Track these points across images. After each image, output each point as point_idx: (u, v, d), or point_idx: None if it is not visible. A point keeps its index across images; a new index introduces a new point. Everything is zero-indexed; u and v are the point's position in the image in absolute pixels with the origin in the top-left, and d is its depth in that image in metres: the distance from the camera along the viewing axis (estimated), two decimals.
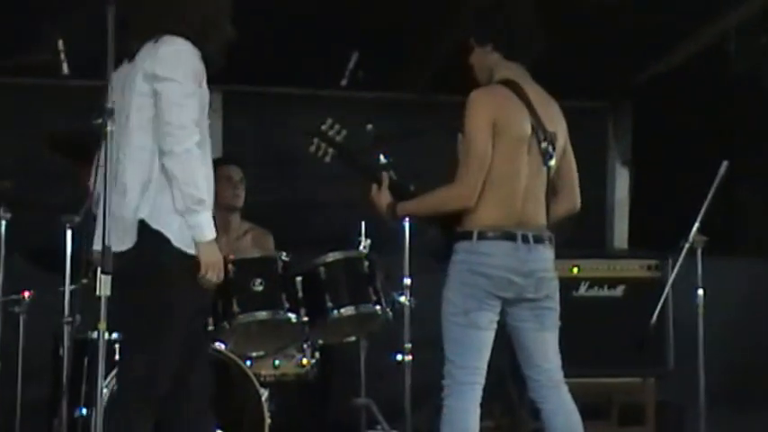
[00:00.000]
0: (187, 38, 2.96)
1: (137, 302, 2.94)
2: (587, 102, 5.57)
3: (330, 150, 3.22)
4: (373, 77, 5.01)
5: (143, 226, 2.91)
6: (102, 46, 2.92)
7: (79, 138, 3.27)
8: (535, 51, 3.17)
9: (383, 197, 3.18)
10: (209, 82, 3.05)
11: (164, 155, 2.89)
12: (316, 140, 3.24)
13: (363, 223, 4.07)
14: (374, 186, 3.20)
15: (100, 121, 2.90)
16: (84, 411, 3.68)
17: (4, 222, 4.00)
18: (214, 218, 2.97)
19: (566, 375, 3.16)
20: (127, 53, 3.03)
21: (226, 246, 4.43)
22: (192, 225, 2.88)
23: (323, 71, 5.02)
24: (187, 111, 2.90)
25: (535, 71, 3.19)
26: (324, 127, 3.23)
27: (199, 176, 2.89)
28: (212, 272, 2.90)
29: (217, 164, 4.70)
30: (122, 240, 2.90)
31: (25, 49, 4.56)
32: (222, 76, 5.11)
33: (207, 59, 2.99)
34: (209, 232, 2.90)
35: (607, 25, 4.76)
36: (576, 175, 3.23)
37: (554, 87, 3.22)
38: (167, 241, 2.89)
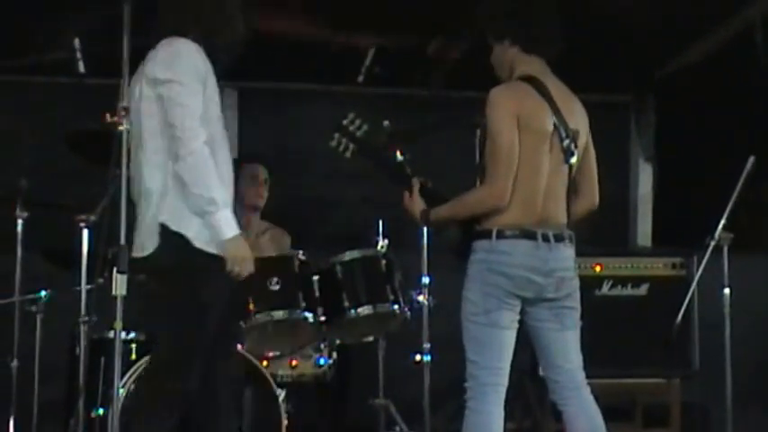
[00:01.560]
0: (194, 38, 2.96)
1: (163, 303, 2.98)
2: (610, 96, 5.50)
3: (351, 146, 3.18)
4: (390, 74, 4.97)
5: (164, 229, 2.94)
6: (119, 44, 2.90)
7: (100, 137, 3.26)
8: (555, 45, 3.10)
9: (416, 204, 3.13)
10: (223, 79, 3.03)
11: (174, 159, 2.91)
12: (337, 135, 3.20)
13: (381, 221, 4.03)
14: (406, 194, 3.16)
15: (115, 119, 2.91)
16: (101, 411, 3.67)
17: (20, 221, 4.01)
18: (236, 213, 2.97)
19: (589, 376, 3.10)
20: (143, 56, 3.05)
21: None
22: (211, 225, 2.90)
23: (339, 67, 4.98)
24: (190, 111, 2.90)
25: (556, 65, 3.14)
26: (345, 122, 3.20)
27: (208, 176, 2.89)
28: (239, 266, 2.91)
29: (242, 162, 4.71)
30: (146, 245, 2.96)
31: (41, 47, 4.55)
32: (238, 73, 5.12)
33: (216, 57, 2.99)
34: (228, 230, 2.91)
35: (630, 18, 4.68)
36: (596, 174, 3.18)
37: (576, 81, 3.16)
38: (188, 242, 2.91)
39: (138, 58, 3.02)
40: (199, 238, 2.92)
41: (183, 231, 2.91)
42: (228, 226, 2.90)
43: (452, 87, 5.13)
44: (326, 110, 4.97)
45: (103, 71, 3.57)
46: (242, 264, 2.91)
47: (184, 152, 2.86)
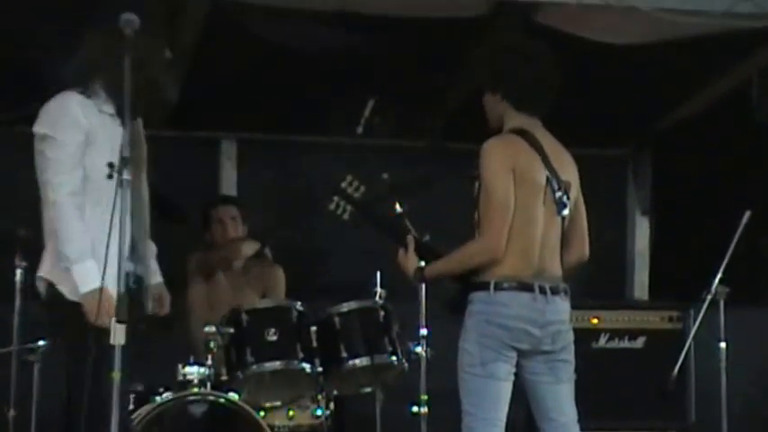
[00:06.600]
0: (83, 90, 3.02)
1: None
2: (607, 149, 5.55)
3: (348, 208, 3.20)
4: (389, 125, 5.01)
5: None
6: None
7: None
8: (545, 107, 3.13)
9: (410, 261, 3.15)
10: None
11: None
12: (336, 199, 3.22)
13: (379, 272, 4.04)
14: (401, 250, 3.16)
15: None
16: None
17: (19, 270, 4.00)
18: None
19: (585, 429, 3.10)
20: None
21: (226, 281, 4.43)
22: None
23: (338, 119, 5.03)
24: (53, 164, 2.96)
25: (553, 118, 3.16)
26: (344, 184, 3.22)
27: (64, 229, 2.93)
28: (98, 320, 2.87)
29: (210, 207, 4.73)
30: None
31: (42, 97, 4.59)
32: (236, 124, 5.15)
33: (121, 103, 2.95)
34: (82, 284, 2.93)
35: (626, 72, 4.74)
36: (585, 225, 3.19)
37: (572, 135, 3.19)
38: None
39: None
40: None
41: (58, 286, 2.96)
42: (82, 280, 2.92)
43: (452, 138, 5.17)
44: (326, 161, 5.01)
45: None
46: (98, 317, 2.87)
47: (47, 204, 2.96)
